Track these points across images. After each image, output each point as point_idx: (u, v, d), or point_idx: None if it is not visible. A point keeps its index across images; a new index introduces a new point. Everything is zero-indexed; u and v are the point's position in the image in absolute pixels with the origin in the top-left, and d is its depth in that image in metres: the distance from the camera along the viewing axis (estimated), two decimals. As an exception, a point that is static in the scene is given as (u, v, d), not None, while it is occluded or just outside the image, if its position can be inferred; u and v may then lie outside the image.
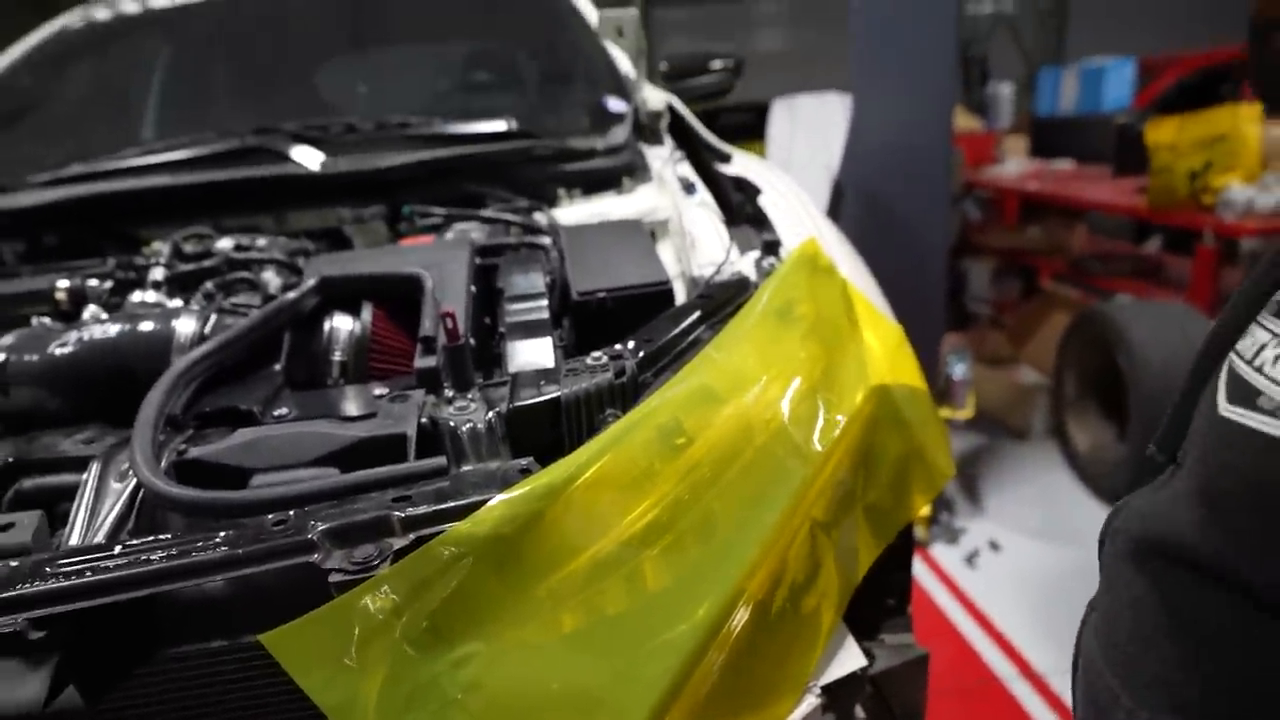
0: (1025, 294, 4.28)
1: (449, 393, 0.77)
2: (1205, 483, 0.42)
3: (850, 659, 0.79)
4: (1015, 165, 4.53)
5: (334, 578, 0.55)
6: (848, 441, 0.85)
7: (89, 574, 0.53)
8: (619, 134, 1.50)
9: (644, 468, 0.69)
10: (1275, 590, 0.37)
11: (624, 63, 1.78)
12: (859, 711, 0.82)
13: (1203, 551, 0.41)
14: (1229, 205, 2.83)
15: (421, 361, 0.78)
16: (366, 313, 0.88)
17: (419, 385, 0.78)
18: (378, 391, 0.77)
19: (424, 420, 0.71)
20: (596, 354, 0.81)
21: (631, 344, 0.84)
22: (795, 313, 0.94)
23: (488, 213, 1.29)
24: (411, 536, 0.58)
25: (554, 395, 0.75)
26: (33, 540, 0.61)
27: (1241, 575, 0.39)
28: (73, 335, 0.83)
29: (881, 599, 0.95)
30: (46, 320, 0.94)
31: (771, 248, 1.15)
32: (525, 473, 0.65)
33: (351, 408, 0.75)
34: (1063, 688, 2.08)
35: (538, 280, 1.00)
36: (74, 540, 0.64)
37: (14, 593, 0.52)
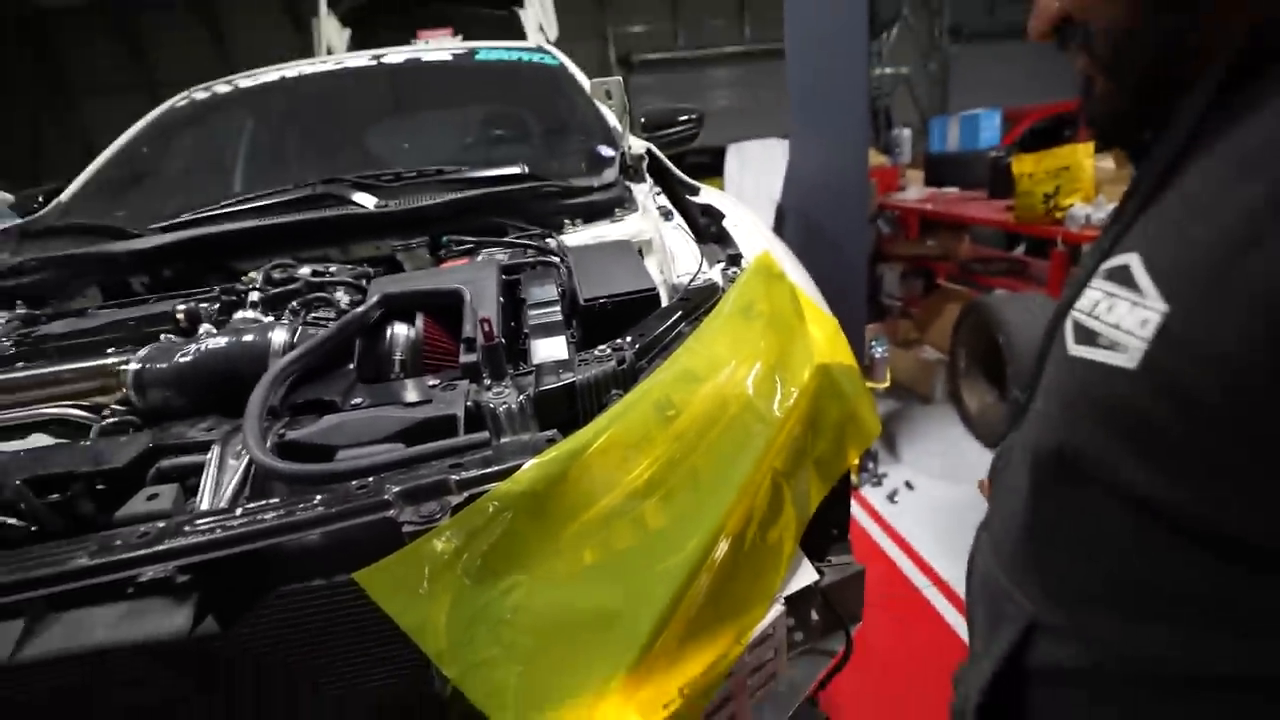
0: (926, 290, 4.29)
1: (487, 381, 0.76)
2: (1063, 407, 0.42)
3: (805, 575, 0.79)
4: (915, 191, 4.53)
5: (406, 528, 0.54)
6: (799, 409, 0.85)
7: (219, 531, 0.53)
8: (610, 174, 1.49)
9: (643, 435, 0.69)
10: (1134, 487, 0.37)
11: (611, 118, 1.76)
12: (813, 616, 0.82)
13: (1067, 456, 0.42)
14: (1073, 219, 2.85)
15: (465, 358, 0.78)
16: (419, 321, 0.87)
17: (463, 376, 0.77)
18: (431, 382, 0.77)
19: (469, 404, 0.71)
20: (602, 347, 0.81)
21: (629, 338, 0.84)
22: (755, 310, 0.93)
23: (509, 239, 1.28)
24: (465, 494, 0.58)
25: (570, 381, 0.75)
26: (173, 506, 0.61)
27: (1103, 477, 0.39)
28: (192, 347, 0.82)
29: (828, 529, 0.95)
30: (171, 336, 0.92)
31: (734, 260, 1.14)
32: (551, 442, 0.65)
33: (411, 396, 0.74)
34: (963, 591, 2.12)
35: (552, 290, 1.00)
36: (204, 505, 0.63)
37: (164, 546, 0.52)
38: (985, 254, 4.06)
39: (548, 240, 1.26)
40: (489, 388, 0.75)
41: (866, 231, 2.81)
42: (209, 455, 0.68)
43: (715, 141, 4.08)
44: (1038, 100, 6.19)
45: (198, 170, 1.79)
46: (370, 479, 0.59)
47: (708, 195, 1.55)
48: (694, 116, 2.08)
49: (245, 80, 1.92)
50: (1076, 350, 0.41)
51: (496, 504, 0.56)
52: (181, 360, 0.81)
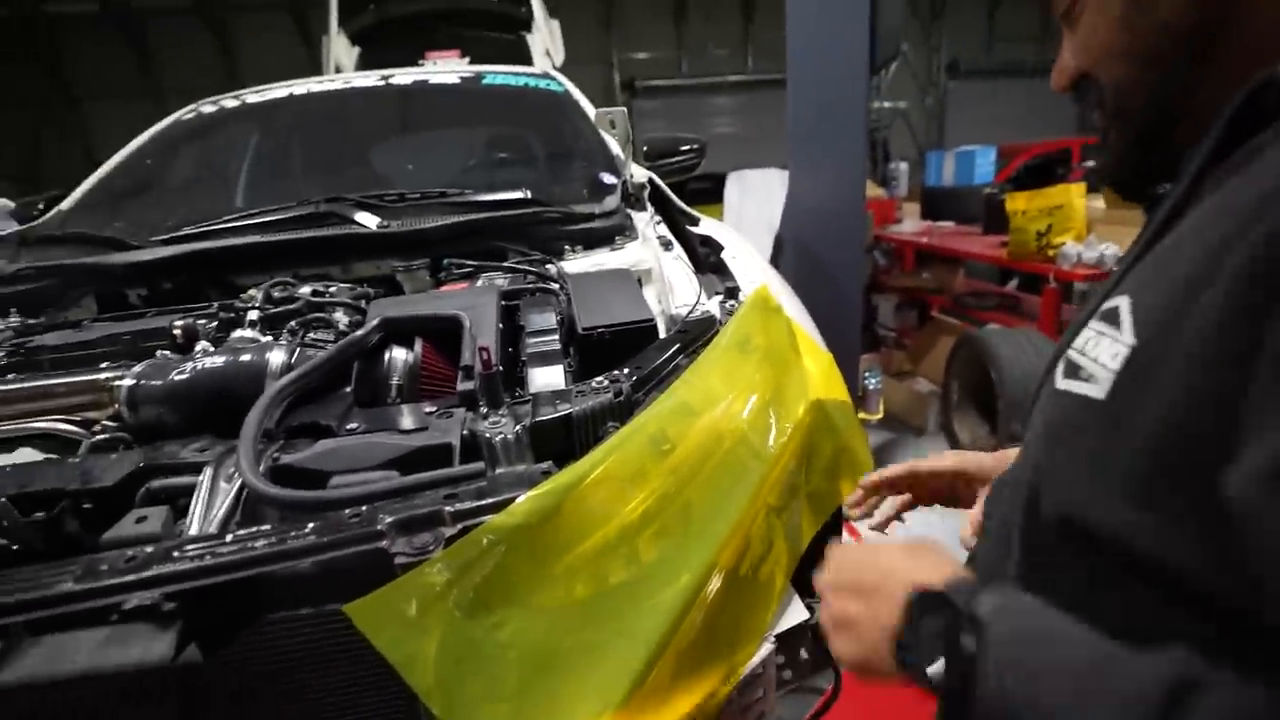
0: (920, 322, 4.33)
1: (484, 410, 0.76)
2: (1045, 438, 0.45)
3: (796, 613, 0.79)
4: (911, 224, 4.60)
5: (399, 559, 0.54)
6: (794, 444, 0.85)
7: (209, 558, 0.52)
8: (611, 202, 1.50)
9: (638, 468, 0.69)
10: (1100, 524, 0.38)
11: (614, 146, 1.79)
12: (803, 654, 0.81)
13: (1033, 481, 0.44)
14: (1065, 257, 2.90)
15: (462, 385, 0.78)
16: (418, 346, 0.87)
17: (460, 404, 0.77)
18: (428, 409, 0.76)
19: (465, 433, 0.71)
20: (599, 379, 0.81)
21: (626, 370, 0.84)
22: (752, 344, 0.94)
23: (509, 264, 1.28)
24: (459, 526, 0.57)
25: (567, 412, 0.75)
26: (162, 530, 0.60)
27: (1074, 514, 0.40)
28: (188, 365, 0.81)
29: (819, 565, 0.94)
30: (167, 352, 0.92)
31: (732, 293, 1.15)
32: (546, 474, 0.65)
33: (407, 422, 0.74)
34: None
35: (551, 318, 1.00)
36: (193, 530, 0.62)
37: (152, 573, 0.51)
38: (979, 288, 4.11)
39: (548, 266, 1.27)
40: (485, 416, 0.74)
41: (863, 263, 2.84)
42: (201, 477, 0.67)
43: (716, 168, 4.13)
44: (1031, 138, 6.35)
45: (201, 184, 1.80)
46: (364, 508, 0.58)
47: (707, 226, 1.56)
48: (696, 146, 2.12)
49: (254, 96, 1.94)
50: (1063, 384, 0.43)
51: (490, 537, 0.56)
52: (177, 378, 0.80)
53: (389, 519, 0.56)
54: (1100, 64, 0.46)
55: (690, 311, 1.08)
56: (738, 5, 11.25)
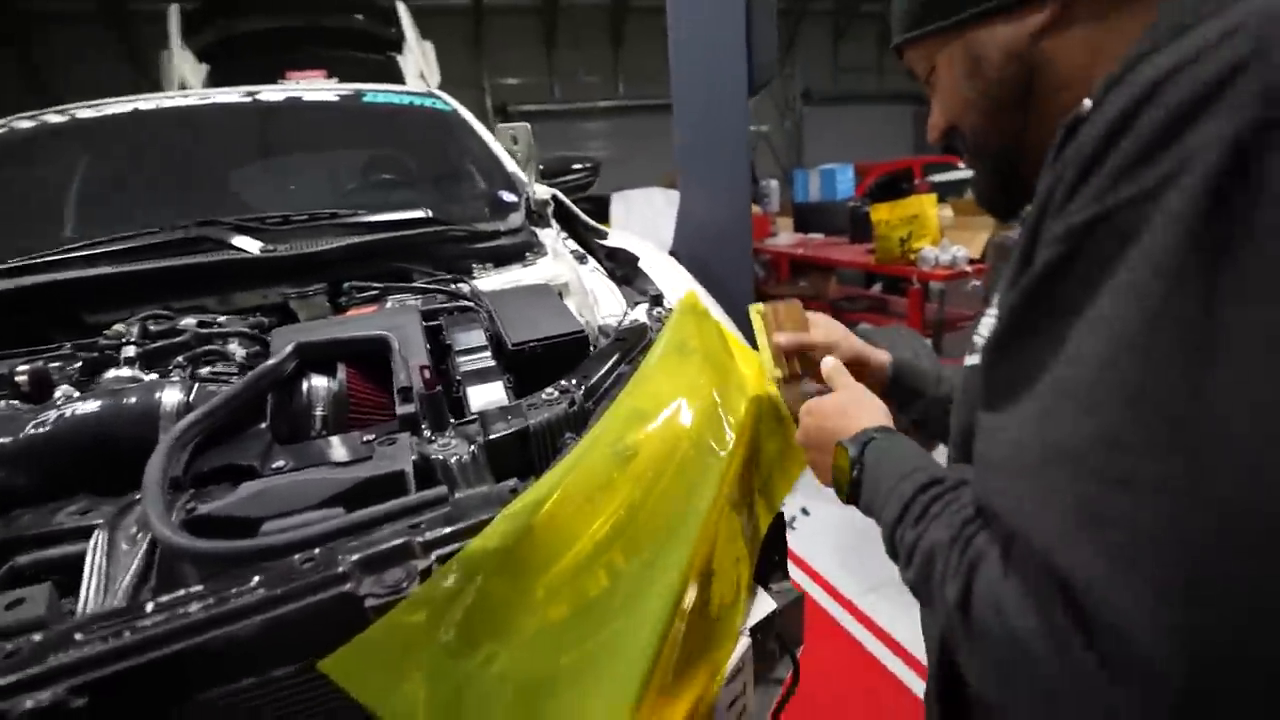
0: (800, 328, 4.62)
1: (428, 433, 0.71)
2: (961, 400, 0.56)
3: (764, 605, 0.80)
4: (785, 238, 4.92)
5: (370, 602, 0.48)
6: (744, 441, 0.86)
7: (126, 634, 0.43)
8: (516, 219, 1.47)
9: (604, 479, 0.67)
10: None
11: (510, 164, 1.76)
12: (770, 645, 0.82)
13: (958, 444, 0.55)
14: (924, 260, 3.24)
15: (402, 409, 0.71)
16: (341, 372, 0.79)
17: (401, 430, 0.71)
18: (366, 438, 0.69)
19: (416, 458, 0.65)
20: (549, 390, 0.78)
21: (574, 380, 0.81)
22: (689, 347, 0.95)
23: (418, 285, 1.21)
24: (433, 556, 0.52)
25: (523, 426, 0.71)
26: (47, 612, 0.49)
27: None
28: (51, 414, 0.68)
29: (771, 556, 0.96)
30: (15, 403, 0.76)
31: (657, 300, 1.16)
32: (514, 492, 0.61)
33: (343, 454, 0.66)
34: (863, 605, 2.23)
35: (478, 335, 0.95)
36: (92, 606, 0.51)
37: (48, 665, 0.41)
38: (851, 292, 4.46)
39: (460, 286, 1.21)
40: (431, 440, 0.69)
41: (751, 273, 2.99)
42: (92, 542, 0.56)
43: (594, 191, 4.19)
44: (877, 157, 7.09)
45: (26, 210, 1.53)
46: (317, 550, 0.51)
47: (618, 238, 1.57)
48: (589, 165, 2.13)
49: (87, 111, 1.70)
50: (967, 360, 0.56)
51: (469, 565, 0.51)
52: (35, 431, 0.67)
53: (351, 558, 0.50)
54: (959, 117, 0.56)
55: (621, 320, 1.08)
56: (606, 33, 11.61)
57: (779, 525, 1.00)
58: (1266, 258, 0.29)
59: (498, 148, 1.82)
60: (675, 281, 1.30)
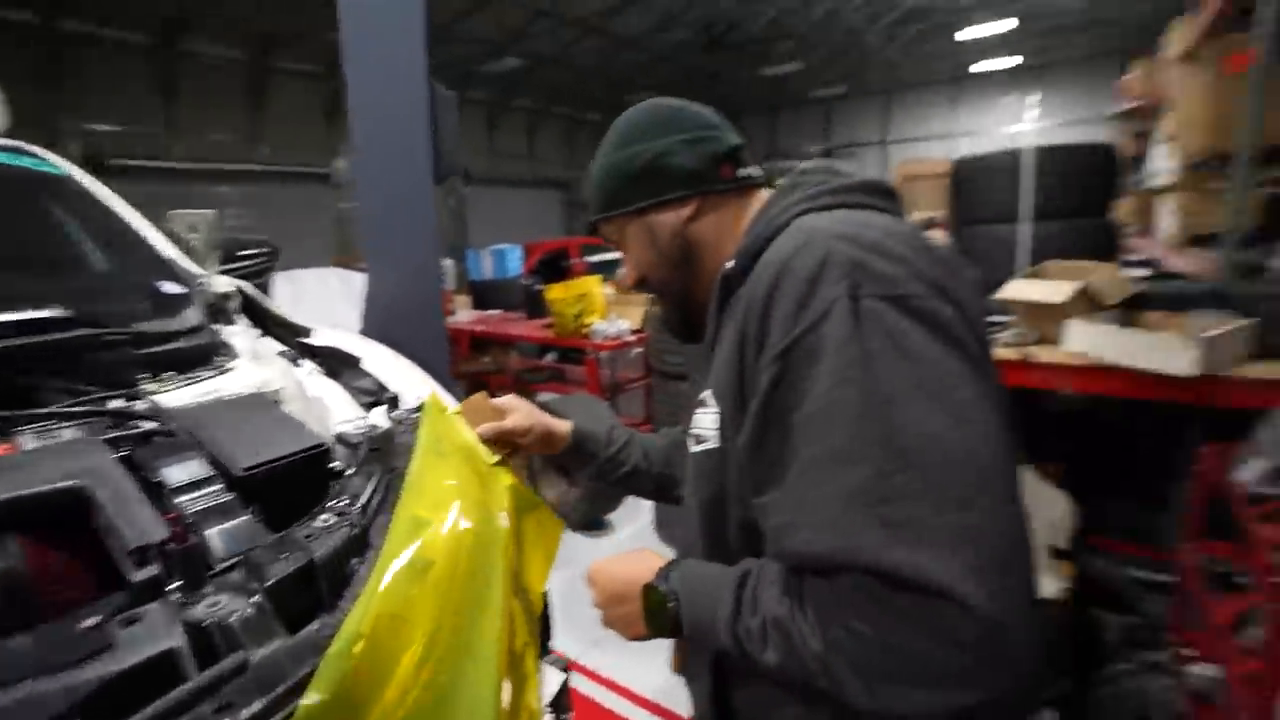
0: (488, 401, 4.73)
1: (177, 597, 0.60)
2: (695, 480, 0.75)
3: (555, 679, 0.86)
4: (466, 314, 5.03)
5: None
6: (511, 528, 0.93)
7: None
8: (192, 316, 1.27)
9: (406, 597, 0.67)
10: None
11: (166, 246, 1.49)
12: (562, 716, 0.88)
13: (705, 503, 0.73)
14: (595, 333, 3.72)
15: (142, 574, 0.59)
16: (13, 545, 0.61)
17: (138, 601, 0.58)
18: (88, 623, 0.55)
19: (184, 628, 0.55)
20: (324, 516, 0.73)
21: (345, 500, 0.78)
22: (444, 447, 0.98)
23: (63, 408, 0.96)
24: (262, 731, 0.47)
25: (305, 561, 0.66)
26: None
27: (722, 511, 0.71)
28: None
29: (543, 629, 1.02)
30: None
31: (394, 402, 1.15)
32: (321, 634, 0.57)
33: (63, 652, 0.52)
34: (588, 662, 2.35)
35: (196, 465, 0.81)
36: None
37: None
38: (532, 364, 4.78)
39: (136, 405, 1.00)
40: (190, 602, 0.59)
41: (447, 351, 3.00)
42: None
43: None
44: (534, 236, 7.86)
45: None
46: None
47: (327, 335, 1.47)
48: (265, 249, 1.92)
49: None
50: (695, 449, 0.73)
51: (309, 723, 0.48)
52: None
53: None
54: (645, 272, 0.80)
55: (360, 427, 1.04)
56: (242, 91, 10.38)
57: (546, 599, 1.08)
58: (888, 350, 0.53)
59: (143, 225, 1.52)
60: (407, 379, 1.29)
